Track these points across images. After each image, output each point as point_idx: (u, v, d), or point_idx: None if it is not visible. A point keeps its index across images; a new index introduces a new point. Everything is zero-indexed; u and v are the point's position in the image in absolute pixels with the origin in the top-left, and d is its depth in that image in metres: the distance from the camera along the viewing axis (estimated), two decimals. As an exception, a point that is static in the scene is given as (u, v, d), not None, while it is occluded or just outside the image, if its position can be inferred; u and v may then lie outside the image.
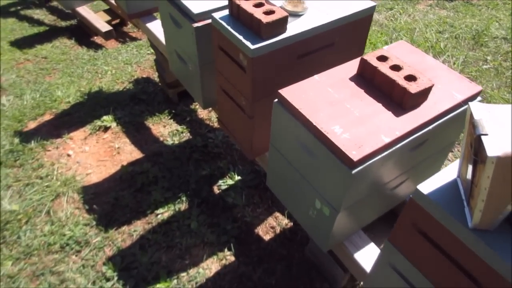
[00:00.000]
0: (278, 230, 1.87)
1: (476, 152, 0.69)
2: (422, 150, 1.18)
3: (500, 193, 0.68)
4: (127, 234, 1.84)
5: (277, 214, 1.92)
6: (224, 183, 2.02)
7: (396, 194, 1.35)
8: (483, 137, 0.65)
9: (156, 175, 2.08)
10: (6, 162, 2.16)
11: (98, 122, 2.41)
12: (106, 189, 2.04)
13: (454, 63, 2.72)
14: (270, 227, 1.88)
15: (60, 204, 1.96)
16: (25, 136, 2.33)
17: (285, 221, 1.89)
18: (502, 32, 3.05)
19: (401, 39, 3.01)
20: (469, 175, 0.78)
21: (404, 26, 3.18)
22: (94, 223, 1.87)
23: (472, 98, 1.18)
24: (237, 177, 2.04)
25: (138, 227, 1.86)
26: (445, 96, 1.15)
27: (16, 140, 2.28)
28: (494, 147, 0.64)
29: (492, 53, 2.84)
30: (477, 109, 0.70)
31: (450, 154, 2.07)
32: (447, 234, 0.83)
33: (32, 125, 2.43)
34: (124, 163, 2.17)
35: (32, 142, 2.28)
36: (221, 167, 2.10)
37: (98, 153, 2.25)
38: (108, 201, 1.98)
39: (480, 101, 1.20)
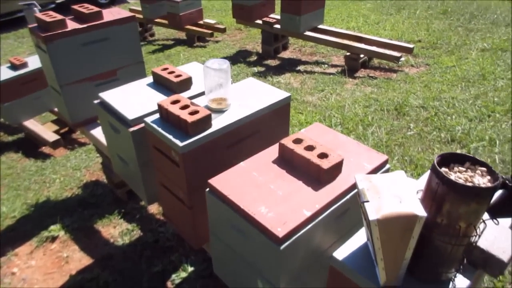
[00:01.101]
0: (237, 319, 1.82)
1: (364, 216, 0.79)
2: (347, 219, 1.28)
3: (391, 250, 0.78)
4: None
5: (235, 302, 1.89)
6: (178, 277, 1.99)
7: (336, 264, 1.41)
8: (365, 204, 0.76)
9: (106, 280, 2.01)
10: None
11: (45, 233, 2.36)
12: (54, 304, 1.94)
13: (382, 133, 2.99)
14: (229, 317, 1.83)
15: (1, 328, 1.83)
16: (-35, 258, 2.22)
17: (243, 309, 1.86)
18: (419, 101, 3.43)
19: (334, 115, 3.30)
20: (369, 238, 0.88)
21: (335, 104, 3.51)
22: None
23: (381, 166, 1.33)
24: (190, 268, 2.03)
25: None
26: (357, 168, 1.30)
27: (-45, 264, 2.17)
28: (374, 212, 0.74)
29: (414, 120, 3.16)
30: (361, 180, 0.82)
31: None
32: (366, 295, 0.89)
33: (-27, 245, 2.33)
34: (73, 272, 2.10)
35: (-27, 263, 2.17)
36: (173, 260, 2.09)
37: (45, 266, 2.17)
38: (56, 317, 1.87)
39: (388, 169, 1.36)
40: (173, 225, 1.73)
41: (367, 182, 0.81)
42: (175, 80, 1.75)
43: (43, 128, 3.41)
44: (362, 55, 4.33)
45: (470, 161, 0.85)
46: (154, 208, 2.48)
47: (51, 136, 3.29)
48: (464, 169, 0.83)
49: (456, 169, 0.83)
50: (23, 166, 3.14)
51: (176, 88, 1.75)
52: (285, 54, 5.05)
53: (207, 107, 1.52)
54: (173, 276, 2.00)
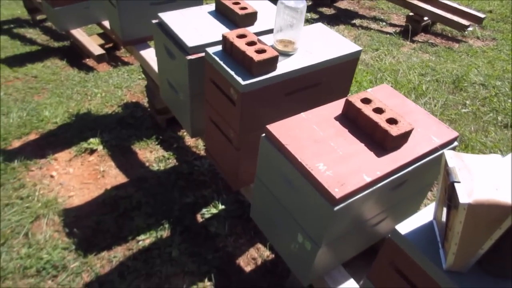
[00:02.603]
0: (259, 261, 1.87)
1: (450, 197, 0.73)
2: (401, 191, 1.23)
3: (472, 237, 0.72)
4: (107, 260, 1.81)
5: (259, 245, 1.93)
6: (208, 212, 2.03)
7: (376, 231, 1.38)
8: (456, 184, 0.70)
9: (139, 200, 2.07)
10: (-14, 181, 2.13)
11: (84, 144, 2.41)
12: (88, 213, 2.02)
13: (435, 105, 2.83)
14: (252, 258, 1.88)
15: (39, 226, 1.93)
16: (9, 155, 2.30)
17: (266, 253, 1.90)
18: (480, 78, 3.20)
19: (386, 79, 3.13)
20: (443, 218, 0.82)
21: (389, 67, 3.31)
22: (73, 247, 1.84)
23: (449, 143, 1.24)
24: (221, 206, 2.05)
25: (118, 253, 1.84)
26: (424, 139, 1.21)
27: (-1, 159, 2.26)
28: (466, 195, 0.68)
29: (471, 97, 2.97)
30: (451, 157, 0.75)
31: (429, 194, 2.13)
32: (422, 274, 0.86)
33: (16, 144, 2.41)
34: (108, 187, 2.17)
35: (15, 161, 2.26)
36: (205, 195, 2.11)
37: (82, 176, 2.24)
38: (89, 225, 1.95)
39: (455, 147, 1.27)
40: (214, 162, 1.72)
41: (458, 161, 0.74)
42: (240, 12, 1.65)
43: (89, 40, 3.38)
44: (426, 18, 4.01)
45: None
46: (191, 141, 2.48)
47: (97, 49, 3.26)
48: None
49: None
50: (67, 74, 3.16)
51: (240, 21, 1.65)
52: (342, 4, 4.74)
53: (273, 47, 1.43)
54: (204, 210, 2.04)
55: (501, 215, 0.68)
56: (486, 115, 2.78)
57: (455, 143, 1.27)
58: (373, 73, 3.21)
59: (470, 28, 3.99)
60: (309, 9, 4.51)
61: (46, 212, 2.00)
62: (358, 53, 1.51)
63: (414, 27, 4.01)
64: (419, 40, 3.94)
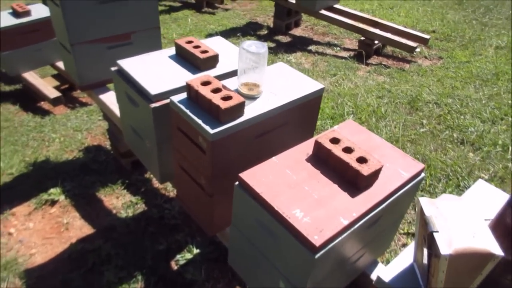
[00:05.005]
0: (239, 305, 1.82)
1: (429, 246, 0.75)
2: (377, 227, 1.24)
3: (455, 284, 0.73)
4: (77, 322, 1.70)
5: (238, 288, 1.89)
6: (182, 258, 1.96)
7: (355, 268, 1.38)
8: (435, 235, 0.71)
9: (109, 252, 1.97)
10: None
11: (44, 196, 2.29)
12: (53, 271, 1.90)
13: (395, 127, 2.94)
14: (231, 302, 1.83)
15: (-1, 292, 1.79)
16: (-40, 215, 2.14)
17: (246, 295, 1.86)
18: (433, 97, 3.38)
19: (346, 103, 3.23)
20: (425, 261, 0.83)
21: (348, 91, 3.42)
22: (39, 312, 1.72)
23: (417, 175, 1.28)
24: (196, 250, 1.99)
25: (89, 313, 1.73)
26: (393, 175, 1.24)
27: (-51, 220, 2.09)
28: (446, 246, 0.69)
29: (427, 117, 3.12)
30: (426, 205, 0.77)
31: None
32: (409, 320, 0.86)
33: (-32, 202, 2.25)
34: (73, 240, 2.05)
35: (-32, 221, 2.10)
36: (178, 240, 2.05)
37: (44, 230, 2.11)
38: (55, 285, 1.83)
39: (422, 178, 1.31)
40: (187, 208, 1.67)
41: (434, 208, 0.76)
42: (202, 56, 1.65)
43: (43, 83, 3.27)
44: (376, 41, 4.21)
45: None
46: (159, 183, 2.42)
47: (52, 92, 3.16)
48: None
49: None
50: (20, 119, 3.02)
51: (201, 65, 1.65)
52: (297, 31, 4.89)
53: (238, 92, 1.43)
54: (178, 256, 1.97)
55: (481, 262, 0.70)
56: (442, 133, 2.92)
57: (422, 174, 1.31)
58: (334, 99, 3.30)
59: (417, 49, 4.22)
60: (266, 38, 4.61)
61: (5, 275, 1.85)
62: (321, 91, 1.55)
63: (367, 50, 4.19)
64: (373, 62, 4.12)
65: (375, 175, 1.19)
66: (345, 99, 3.28)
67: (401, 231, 2.15)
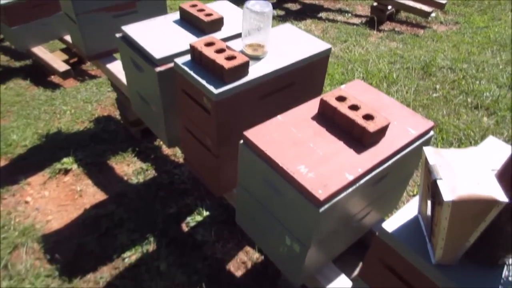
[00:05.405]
0: (249, 264, 1.85)
1: (433, 194, 0.74)
2: (383, 184, 1.23)
3: (458, 231, 0.73)
4: (93, 282, 1.76)
5: (248, 248, 1.91)
6: (193, 220, 2.00)
7: (362, 225, 1.39)
8: (438, 182, 0.70)
9: (121, 217, 2.02)
10: (-44, 214, 2.03)
11: (57, 165, 2.33)
12: (68, 236, 1.95)
13: (407, 92, 2.88)
14: (241, 262, 1.86)
15: (19, 256, 1.85)
16: (-22, 184, 2.21)
17: (256, 255, 1.89)
18: (447, 62, 3.28)
19: (357, 70, 3.17)
20: (428, 212, 0.83)
21: (359, 57, 3.35)
22: (57, 273, 1.78)
23: (426, 133, 1.26)
24: (206, 213, 2.03)
25: (105, 274, 1.79)
26: (401, 132, 1.22)
27: (-32, 189, 2.16)
28: (449, 192, 0.68)
29: (440, 82, 3.04)
30: (431, 154, 0.76)
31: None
32: (412, 269, 0.86)
33: (-15, 172, 2.31)
34: (87, 207, 2.10)
35: (-14, 190, 2.16)
36: (188, 203, 2.08)
37: (59, 198, 2.17)
38: (71, 249, 1.89)
39: (431, 136, 1.28)
40: (194, 171, 1.69)
41: (438, 158, 0.74)
42: (206, 19, 1.62)
43: (52, 57, 3.27)
44: (390, 7, 4.08)
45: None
46: (168, 149, 2.44)
47: (61, 66, 3.16)
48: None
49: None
50: (32, 94, 3.05)
51: (206, 28, 1.63)
52: (307, -2, 4.76)
53: (242, 53, 1.41)
54: (188, 218, 2.00)
55: (484, 209, 0.69)
56: (456, 98, 2.85)
57: (431, 133, 1.29)
58: (344, 65, 3.24)
59: (433, 14, 4.08)
60: (275, 6, 4.51)
61: (24, 241, 1.92)
62: (328, 51, 1.51)
63: (379, 16, 4.07)
64: (385, 29, 4.00)
65: (381, 132, 1.18)
66: (355, 65, 3.22)
67: (411, 193, 2.13)
